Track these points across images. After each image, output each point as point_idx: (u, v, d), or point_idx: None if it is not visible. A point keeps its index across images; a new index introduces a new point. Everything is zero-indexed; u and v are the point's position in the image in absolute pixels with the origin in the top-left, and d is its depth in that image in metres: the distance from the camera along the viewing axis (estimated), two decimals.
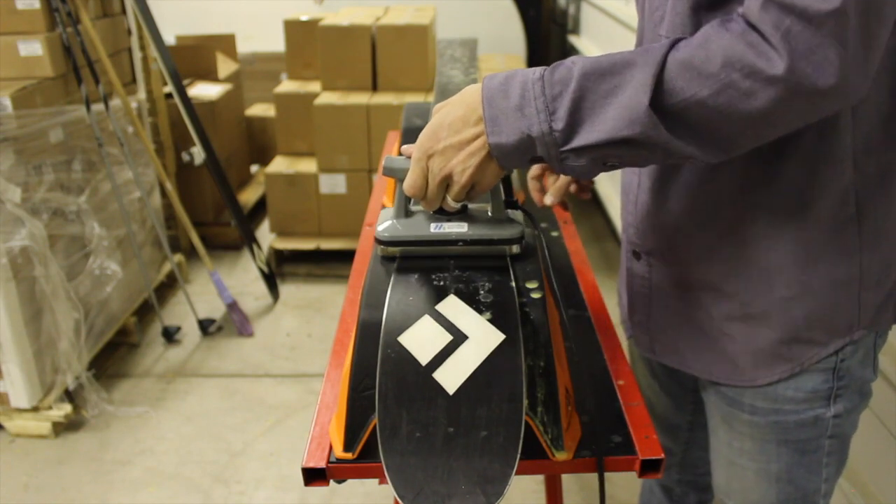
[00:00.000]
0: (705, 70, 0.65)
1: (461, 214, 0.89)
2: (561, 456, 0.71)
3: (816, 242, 0.82)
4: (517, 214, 0.92)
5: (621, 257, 1.06)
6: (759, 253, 0.84)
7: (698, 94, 0.66)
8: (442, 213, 0.87)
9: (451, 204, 0.83)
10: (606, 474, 0.74)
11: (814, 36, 0.61)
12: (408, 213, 0.91)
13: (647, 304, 0.99)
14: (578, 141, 0.70)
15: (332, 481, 0.74)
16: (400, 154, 0.85)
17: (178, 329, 2.66)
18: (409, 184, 0.80)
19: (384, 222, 0.91)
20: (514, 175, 1.15)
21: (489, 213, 0.90)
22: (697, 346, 0.95)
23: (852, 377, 0.89)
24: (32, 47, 2.14)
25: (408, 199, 0.90)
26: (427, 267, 0.87)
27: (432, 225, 0.89)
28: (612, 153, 0.71)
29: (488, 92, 0.74)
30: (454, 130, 0.76)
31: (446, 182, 0.79)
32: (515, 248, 0.89)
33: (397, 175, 0.85)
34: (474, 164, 0.76)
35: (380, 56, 3.00)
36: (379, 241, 0.90)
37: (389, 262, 0.90)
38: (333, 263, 3.08)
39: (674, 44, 0.68)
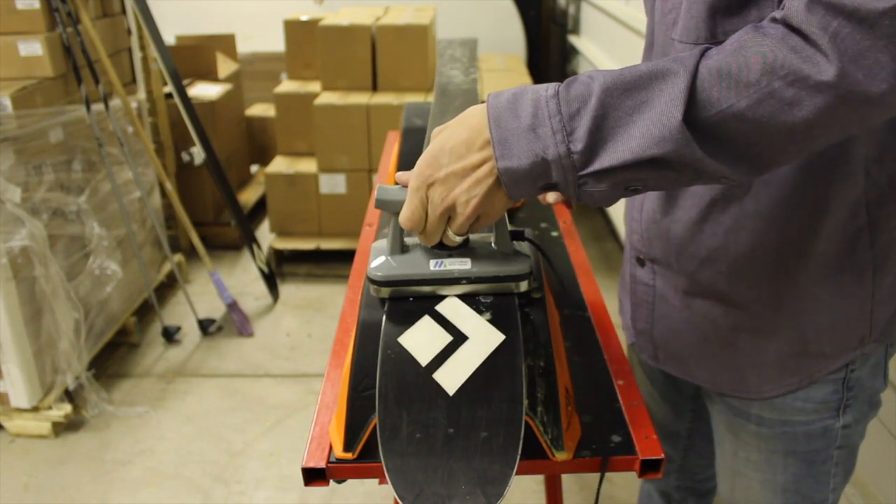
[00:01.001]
0: (743, 78, 0.59)
1: (463, 248, 0.81)
2: (561, 456, 0.71)
3: (828, 254, 0.80)
4: (524, 246, 0.84)
5: (623, 263, 1.04)
6: (770, 264, 0.82)
7: (736, 105, 0.60)
8: (442, 248, 0.79)
9: (453, 238, 0.75)
10: (606, 474, 0.74)
11: (865, 38, 0.55)
12: (403, 248, 0.82)
13: (650, 311, 0.97)
14: (600, 163, 0.63)
15: (332, 481, 0.74)
16: (395, 183, 0.77)
17: (178, 329, 2.66)
18: (405, 216, 0.72)
19: (377, 259, 0.82)
20: None
21: (493, 245, 0.82)
22: (702, 356, 0.93)
23: (862, 387, 0.87)
24: (32, 47, 2.14)
25: (402, 232, 0.81)
26: None
27: (432, 262, 0.80)
28: (636, 176, 0.64)
29: (495, 111, 0.66)
30: (457, 156, 0.68)
31: (448, 214, 0.71)
32: (524, 286, 0.81)
33: (392, 208, 0.76)
34: (480, 193, 0.68)
35: (380, 56, 3.00)
36: (372, 281, 0.81)
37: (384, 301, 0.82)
38: (333, 263, 3.08)
39: (704, 52, 0.62)
